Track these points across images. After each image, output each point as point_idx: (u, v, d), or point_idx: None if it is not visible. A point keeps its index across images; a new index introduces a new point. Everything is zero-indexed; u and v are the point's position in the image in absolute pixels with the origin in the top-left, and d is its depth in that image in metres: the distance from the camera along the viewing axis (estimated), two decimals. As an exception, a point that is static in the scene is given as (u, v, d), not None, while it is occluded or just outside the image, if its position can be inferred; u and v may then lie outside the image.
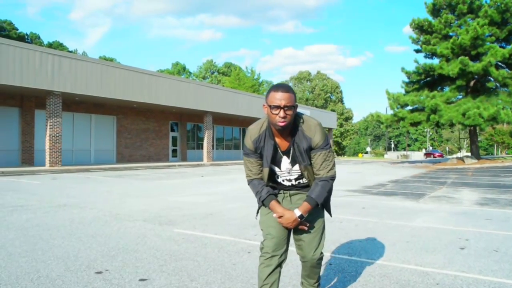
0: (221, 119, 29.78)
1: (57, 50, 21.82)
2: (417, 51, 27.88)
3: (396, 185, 11.61)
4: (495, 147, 70.87)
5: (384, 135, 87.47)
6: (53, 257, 3.51)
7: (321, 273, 2.47)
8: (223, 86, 48.06)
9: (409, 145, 78.75)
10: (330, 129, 41.66)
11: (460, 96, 25.66)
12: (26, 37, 49.17)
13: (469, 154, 30.08)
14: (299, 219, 2.08)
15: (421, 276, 3.14)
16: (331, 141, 44.00)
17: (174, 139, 27.30)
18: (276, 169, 2.19)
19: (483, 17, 23.81)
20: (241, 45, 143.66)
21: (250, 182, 2.21)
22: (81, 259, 3.47)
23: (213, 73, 67.88)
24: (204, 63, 68.67)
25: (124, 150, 23.07)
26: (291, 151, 2.11)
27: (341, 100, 70.36)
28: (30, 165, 17.84)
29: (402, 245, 4.16)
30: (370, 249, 3.98)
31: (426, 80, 27.13)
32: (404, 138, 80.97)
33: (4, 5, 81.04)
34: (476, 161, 24.54)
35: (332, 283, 2.97)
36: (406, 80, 27.88)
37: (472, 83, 25.09)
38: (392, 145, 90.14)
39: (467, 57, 22.84)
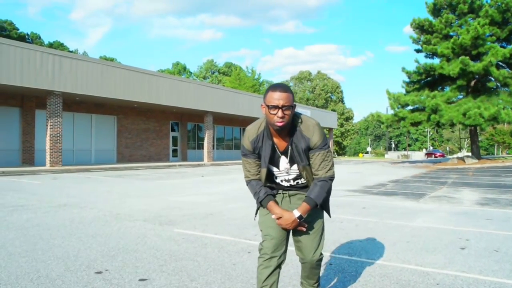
0: (221, 119, 29.78)
1: (58, 50, 21.83)
2: (418, 51, 27.88)
3: (397, 185, 11.60)
4: (495, 147, 70.74)
5: (385, 135, 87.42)
6: (53, 257, 3.51)
7: (321, 273, 2.47)
8: (224, 86, 48.02)
9: (409, 145, 78.73)
10: (330, 129, 41.58)
11: (461, 96, 25.64)
12: (26, 37, 49.21)
13: (469, 154, 30.03)
14: (298, 220, 2.07)
15: (421, 276, 3.14)
16: (331, 141, 43.98)
17: (175, 139, 27.31)
18: (274, 169, 2.18)
19: (483, 17, 23.79)
20: (242, 45, 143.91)
21: (248, 182, 2.20)
22: (81, 259, 3.47)
23: (213, 73, 67.84)
24: (204, 63, 68.69)
25: (124, 150, 23.08)
26: (289, 151, 2.09)
27: (341, 100, 70.32)
28: (31, 165, 17.85)
29: (402, 245, 4.16)
30: (370, 249, 3.98)
31: (426, 80, 27.12)
32: (405, 138, 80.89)
33: (5, 5, 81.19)
34: (476, 161, 24.52)
35: (332, 283, 2.97)
36: (407, 80, 27.88)
37: (472, 83, 25.07)
38: (393, 145, 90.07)
39: (467, 57, 22.82)
